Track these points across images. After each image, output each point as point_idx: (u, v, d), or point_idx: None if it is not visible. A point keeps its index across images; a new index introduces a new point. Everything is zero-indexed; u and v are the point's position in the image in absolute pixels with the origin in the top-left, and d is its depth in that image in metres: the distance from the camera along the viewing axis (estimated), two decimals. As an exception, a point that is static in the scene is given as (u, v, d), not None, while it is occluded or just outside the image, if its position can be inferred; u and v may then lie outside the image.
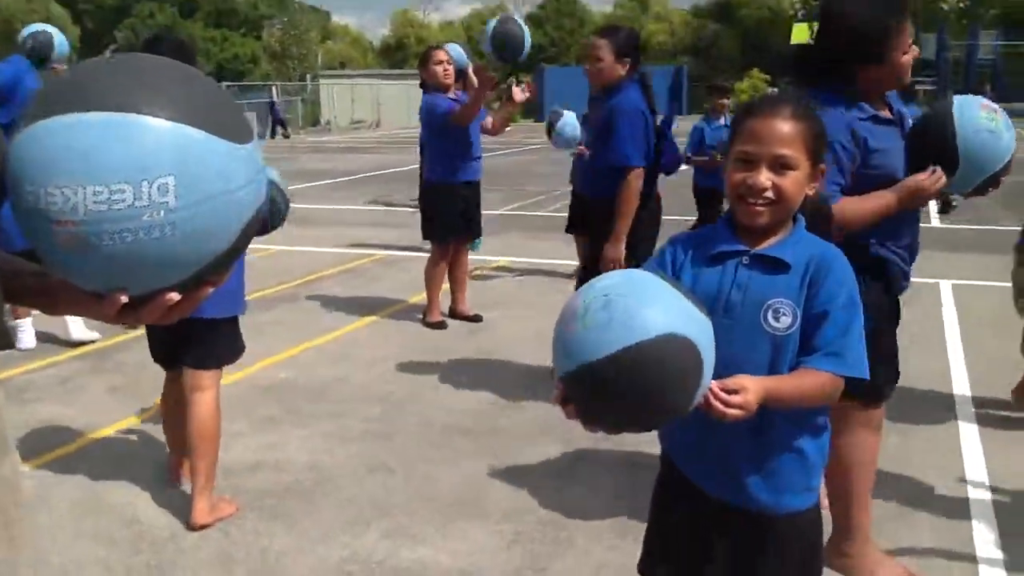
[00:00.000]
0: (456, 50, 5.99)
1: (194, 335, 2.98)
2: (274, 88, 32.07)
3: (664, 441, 1.85)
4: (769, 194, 1.64)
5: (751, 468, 1.69)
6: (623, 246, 3.88)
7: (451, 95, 5.53)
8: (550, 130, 6.52)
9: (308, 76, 42.44)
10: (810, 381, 1.59)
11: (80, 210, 0.95)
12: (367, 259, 7.93)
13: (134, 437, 3.92)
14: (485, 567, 2.82)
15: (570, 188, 5.29)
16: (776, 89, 37.01)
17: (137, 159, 0.96)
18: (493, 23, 5.34)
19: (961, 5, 56.17)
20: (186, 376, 3.06)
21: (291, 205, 3.24)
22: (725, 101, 7.18)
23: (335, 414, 4.15)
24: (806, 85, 2.42)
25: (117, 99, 0.97)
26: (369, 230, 9.48)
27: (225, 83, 30.66)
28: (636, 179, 3.89)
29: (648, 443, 2.67)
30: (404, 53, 61.14)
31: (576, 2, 67.67)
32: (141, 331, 5.41)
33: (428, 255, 5.84)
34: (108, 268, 1.00)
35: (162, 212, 0.97)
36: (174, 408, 3.20)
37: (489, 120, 5.84)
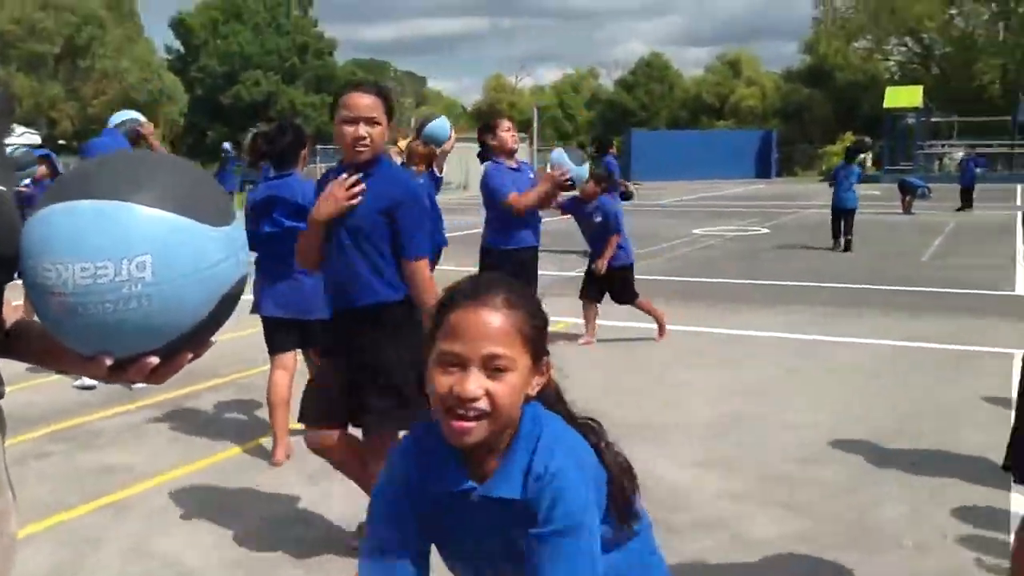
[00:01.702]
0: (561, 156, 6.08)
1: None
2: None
3: None
4: (482, 404, 1.36)
5: None
6: None
7: (512, 164, 5.64)
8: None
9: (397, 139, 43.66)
10: None
11: (69, 284, 1.10)
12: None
13: (191, 484, 4.05)
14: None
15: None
16: (867, 142, 35.81)
17: (119, 240, 1.10)
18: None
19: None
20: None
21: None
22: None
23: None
24: None
25: (109, 188, 1.13)
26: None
27: (320, 145, 31.84)
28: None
29: None
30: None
31: (667, 67, 68.03)
32: (209, 383, 5.63)
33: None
34: (93, 334, 1.14)
35: (139, 285, 1.10)
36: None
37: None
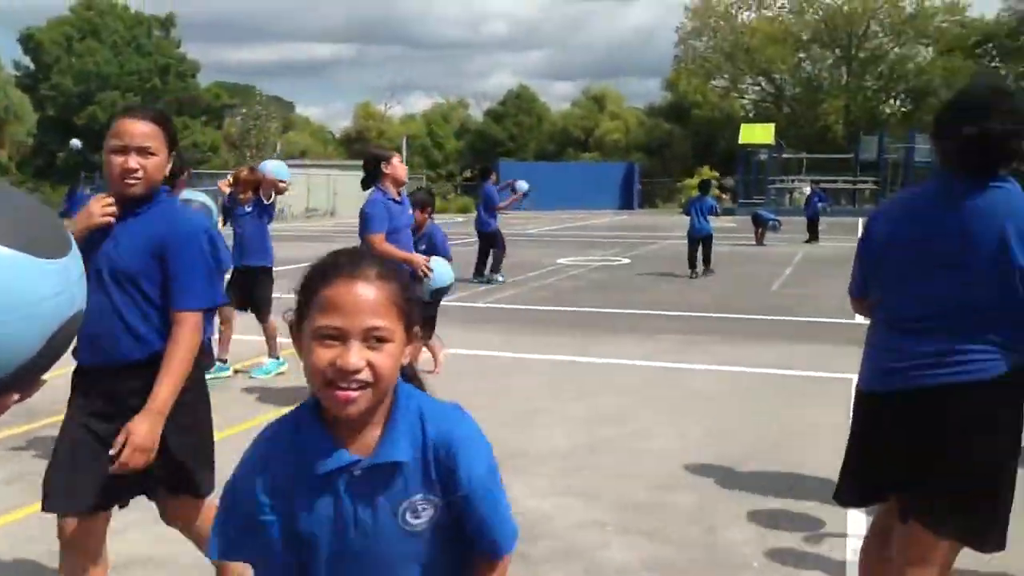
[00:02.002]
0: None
1: None
2: (229, 176, 32.22)
3: None
4: (364, 376, 1.37)
5: None
6: None
7: (397, 196, 5.80)
8: None
9: (265, 165, 42.79)
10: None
11: None
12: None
13: (32, 529, 3.80)
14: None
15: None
16: (730, 182, 37.57)
17: None
18: None
19: (902, 110, 58.60)
20: None
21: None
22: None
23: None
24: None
25: None
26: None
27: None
28: None
29: None
30: (364, 145, 61.96)
31: (536, 100, 69.32)
32: (51, 419, 5.32)
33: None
34: None
35: None
36: None
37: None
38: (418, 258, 5.71)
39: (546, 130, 66.54)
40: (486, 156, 57.88)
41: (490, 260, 13.09)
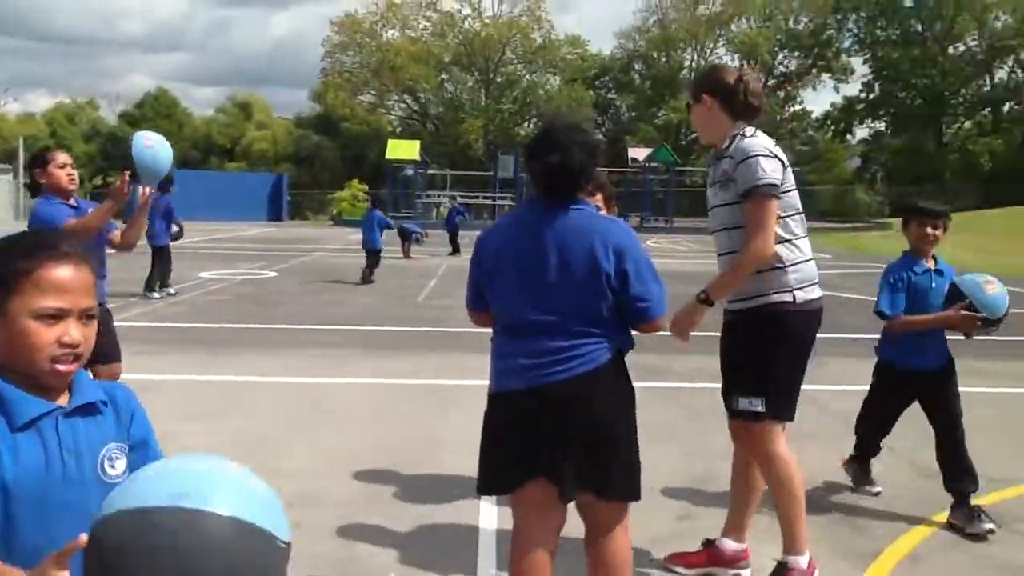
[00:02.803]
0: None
1: None
2: None
3: None
4: (80, 349, 1.53)
5: None
6: None
7: (71, 202, 4.70)
8: None
9: None
10: None
11: None
12: None
13: None
14: None
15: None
16: (372, 196, 38.46)
17: None
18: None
19: (535, 132, 63.25)
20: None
21: None
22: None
23: None
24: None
25: None
26: None
27: None
28: None
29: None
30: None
31: (176, 104, 65.61)
32: None
33: None
34: None
35: None
36: None
37: (117, 234, 5.04)
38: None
39: (188, 136, 63.22)
40: (121, 162, 53.56)
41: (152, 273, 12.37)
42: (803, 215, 3.37)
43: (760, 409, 3.34)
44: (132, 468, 1.55)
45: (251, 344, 8.68)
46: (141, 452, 1.64)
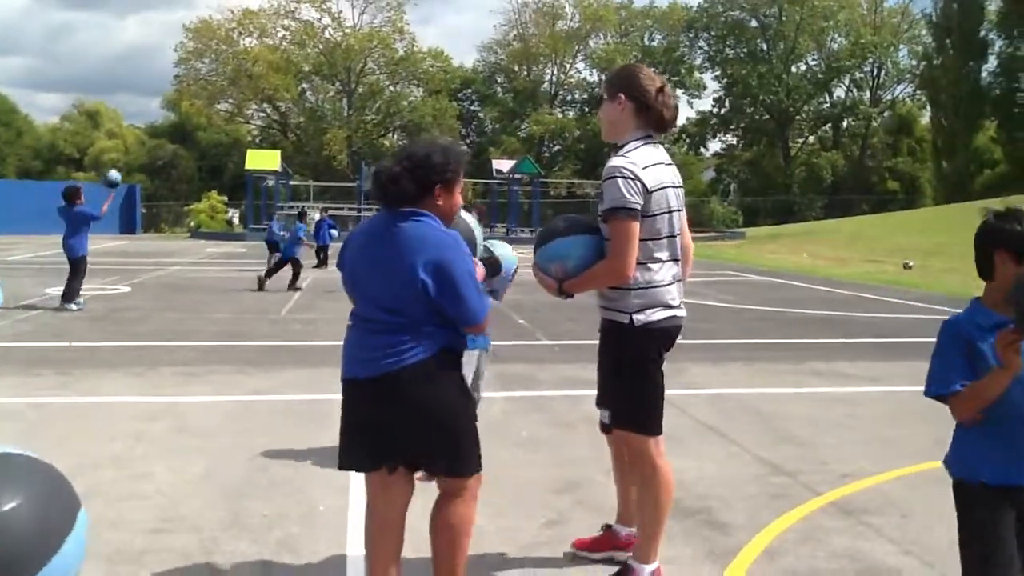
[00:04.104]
0: None
1: None
2: None
3: None
4: None
5: None
6: None
7: None
8: None
9: None
10: None
11: None
12: None
13: None
14: None
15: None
16: (235, 213, 37.17)
17: None
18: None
19: (399, 143, 63.00)
20: None
21: None
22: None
23: None
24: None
25: None
26: None
27: None
28: None
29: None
30: None
31: (16, 111, 61.95)
32: None
33: None
34: None
35: None
36: None
37: None
38: None
39: (30, 144, 59.79)
40: (-48, 172, 50.13)
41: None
42: (671, 239, 3.34)
43: (606, 420, 3.50)
44: None
45: (103, 363, 8.24)
46: None
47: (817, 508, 4.47)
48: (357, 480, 3.77)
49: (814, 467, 5.17)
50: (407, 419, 2.91)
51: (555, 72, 65.39)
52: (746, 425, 6.13)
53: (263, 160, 38.81)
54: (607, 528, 3.82)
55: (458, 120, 62.16)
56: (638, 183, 3.20)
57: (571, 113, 65.17)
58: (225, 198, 40.57)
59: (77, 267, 12.62)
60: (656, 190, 3.26)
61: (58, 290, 14.71)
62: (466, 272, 2.92)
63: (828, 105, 64.00)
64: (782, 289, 17.46)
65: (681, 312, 3.43)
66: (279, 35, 59.14)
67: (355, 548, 3.80)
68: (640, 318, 3.29)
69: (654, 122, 3.37)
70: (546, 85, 65.36)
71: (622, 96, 3.35)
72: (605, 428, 3.56)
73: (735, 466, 5.13)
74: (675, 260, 3.40)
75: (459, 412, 3.02)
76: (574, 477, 4.93)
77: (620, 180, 3.19)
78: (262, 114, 62.01)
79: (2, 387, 7.04)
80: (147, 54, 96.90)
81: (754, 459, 5.32)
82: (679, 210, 3.40)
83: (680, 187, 3.43)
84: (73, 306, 12.33)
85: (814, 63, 63.12)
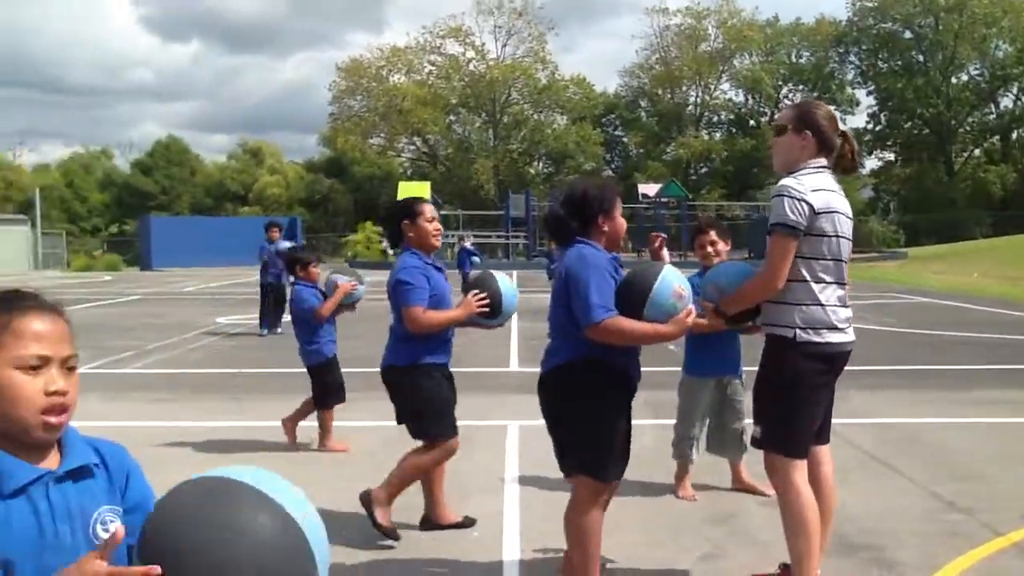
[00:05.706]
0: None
1: None
2: None
3: None
4: (67, 399, 1.49)
5: None
6: None
7: (431, 260, 4.48)
8: None
9: None
10: None
11: None
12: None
13: None
14: None
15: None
16: (386, 243, 38.69)
17: None
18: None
19: (545, 171, 63.75)
20: None
21: None
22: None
23: None
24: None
25: None
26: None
27: None
28: None
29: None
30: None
31: (187, 151, 66.34)
32: None
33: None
34: None
35: None
36: None
37: None
38: (469, 304, 4.45)
39: (200, 183, 63.87)
40: (136, 210, 54.12)
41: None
42: (838, 263, 3.34)
43: (757, 435, 3.45)
44: (130, 530, 1.42)
45: (273, 388, 8.66)
46: (139, 515, 1.52)
47: (998, 549, 4.18)
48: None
49: (993, 504, 4.83)
50: (548, 416, 3.59)
51: (699, 94, 64.57)
52: (913, 457, 5.82)
53: (414, 191, 39.98)
54: (784, 568, 3.66)
55: (602, 146, 62.24)
56: (804, 204, 3.23)
57: (717, 134, 64.12)
58: (380, 228, 41.95)
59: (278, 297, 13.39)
60: (824, 212, 3.27)
61: (229, 319, 15.66)
62: (584, 281, 3.27)
63: (994, 116, 60.41)
64: (948, 311, 16.52)
65: (848, 337, 3.37)
66: (426, 70, 61.19)
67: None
68: (804, 336, 3.28)
69: (840, 169, 3.48)
70: (691, 107, 64.57)
71: (808, 133, 3.38)
72: (755, 442, 3.50)
73: (905, 500, 4.88)
74: (841, 284, 3.37)
75: (594, 417, 3.39)
76: (728, 509, 4.81)
77: (786, 199, 3.24)
78: (412, 147, 64.11)
79: (176, 412, 7.51)
80: (303, 93, 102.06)
81: (925, 493, 5.04)
82: (847, 238, 3.38)
83: (851, 218, 3.42)
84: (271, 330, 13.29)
85: (976, 72, 59.77)
